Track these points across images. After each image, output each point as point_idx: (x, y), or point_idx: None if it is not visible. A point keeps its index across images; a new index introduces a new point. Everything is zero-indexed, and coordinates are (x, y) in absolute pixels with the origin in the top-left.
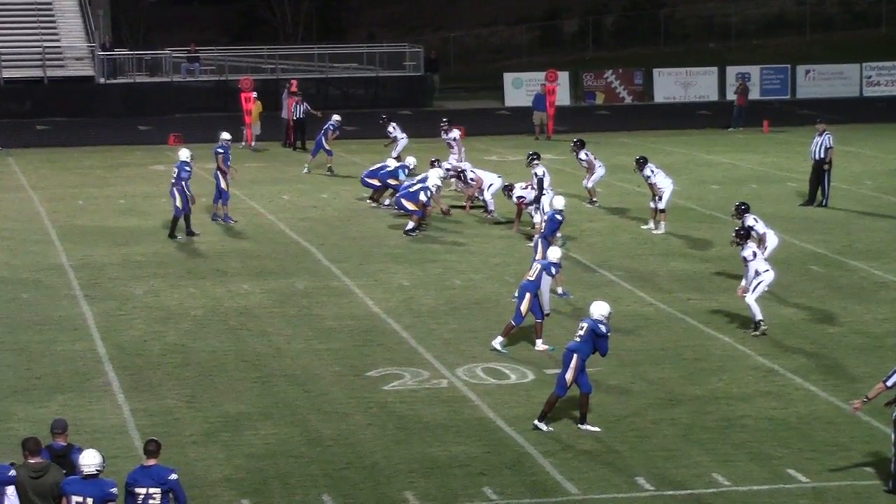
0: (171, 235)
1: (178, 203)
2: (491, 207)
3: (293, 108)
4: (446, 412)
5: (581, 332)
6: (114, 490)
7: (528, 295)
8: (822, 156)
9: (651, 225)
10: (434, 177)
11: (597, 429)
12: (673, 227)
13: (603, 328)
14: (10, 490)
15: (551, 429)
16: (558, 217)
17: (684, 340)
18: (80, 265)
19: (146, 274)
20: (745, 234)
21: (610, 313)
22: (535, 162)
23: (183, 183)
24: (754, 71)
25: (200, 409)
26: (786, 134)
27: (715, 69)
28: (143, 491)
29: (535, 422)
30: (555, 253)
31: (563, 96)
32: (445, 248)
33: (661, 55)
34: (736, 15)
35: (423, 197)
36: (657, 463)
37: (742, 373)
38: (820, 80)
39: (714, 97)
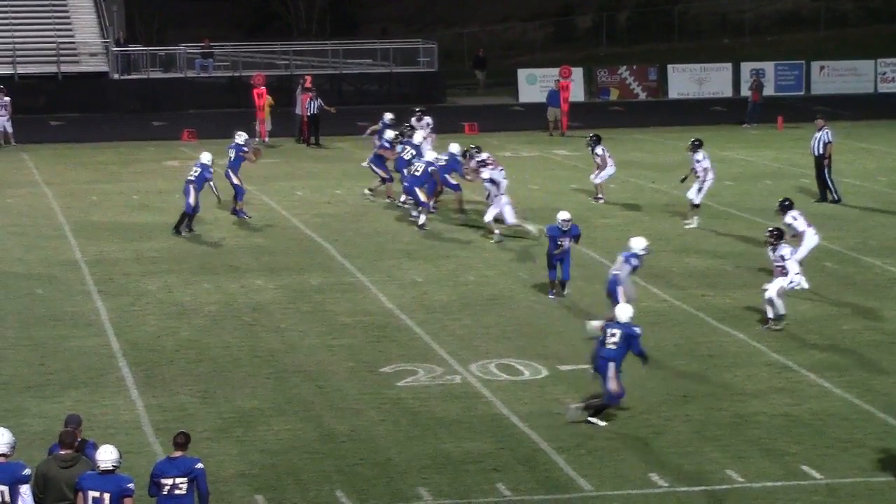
0: (177, 230)
1: (192, 201)
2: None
3: (307, 104)
4: (459, 408)
5: (615, 339)
6: (131, 485)
7: (619, 288)
8: (822, 151)
9: (695, 221)
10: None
11: (603, 423)
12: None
13: (637, 329)
14: (24, 489)
15: (605, 423)
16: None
17: (698, 337)
18: (94, 261)
19: (160, 269)
20: (779, 235)
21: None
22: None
23: (210, 183)
24: (769, 67)
25: (214, 404)
26: (800, 130)
27: (729, 65)
28: (169, 482)
29: (589, 418)
30: (639, 243)
31: (577, 92)
32: (459, 245)
33: (674, 51)
34: (750, 11)
35: (452, 180)
36: (671, 459)
37: (756, 369)
38: (834, 77)
39: (728, 93)
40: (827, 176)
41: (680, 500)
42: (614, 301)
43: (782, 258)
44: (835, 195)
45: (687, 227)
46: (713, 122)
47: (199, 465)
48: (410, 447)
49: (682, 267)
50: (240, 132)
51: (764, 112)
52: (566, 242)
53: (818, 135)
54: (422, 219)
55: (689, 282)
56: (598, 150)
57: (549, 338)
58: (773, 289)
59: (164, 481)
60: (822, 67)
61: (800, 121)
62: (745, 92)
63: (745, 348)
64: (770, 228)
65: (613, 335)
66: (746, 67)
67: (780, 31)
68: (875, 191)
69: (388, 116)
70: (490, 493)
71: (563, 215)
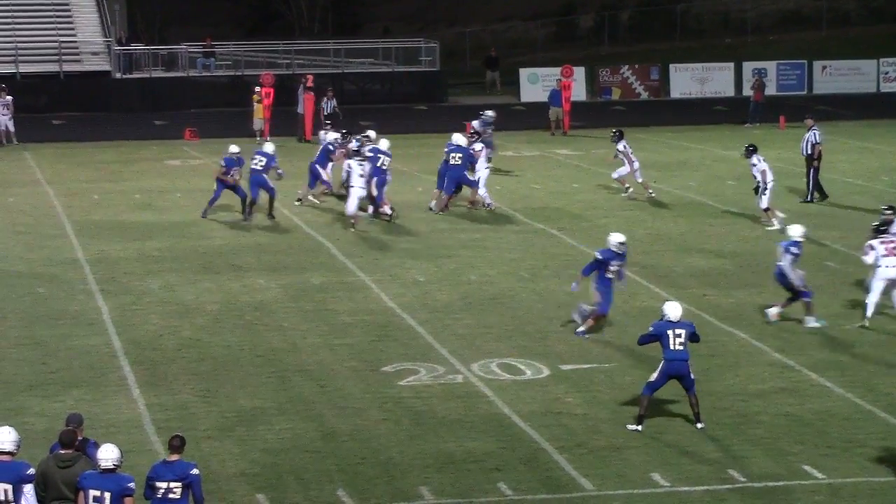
0: (270, 215)
1: (270, 185)
2: (488, 200)
3: (323, 104)
4: (461, 407)
5: (682, 339)
6: (131, 485)
7: (791, 274)
8: (810, 151)
9: (776, 223)
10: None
11: (639, 428)
12: (689, 223)
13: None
14: (28, 488)
15: (639, 428)
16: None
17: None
18: (96, 260)
19: (161, 269)
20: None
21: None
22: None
23: (278, 172)
24: (770, 66)
25: (216, 403)
26: (802, 130)
27: (731, 65)
28: (163, 485)
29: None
30: (796, 230)
31: (578, 92)
32: (460, 244)
33: (676, 51)
34: (752, 10)
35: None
36: (672, 459)
37: (758, 369)
38: (836, 76)
39: (730, 93)
40: (812, 176)
41: (682, 500)
42: (787, 289)
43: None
44: (809, 196)
45: (769, 229)
46: (715, 121)
47: (195, 472)
48: (412, 446)
49: (683, 266)
50: (329, 131)
51: (766, 112)
52: (619, 268)
53: (807, 135)
54: (488, 198)
55: (691, 281)
56: (620, 146)
57: (551, 337)
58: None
59: (158, 485)
60: (824, 67)
61: (802, 120)
62: (748, 91)
63: (746, 348)
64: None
65: (679, 336)
66: (748, 67)
67: (782, 30)
68: (878, 190)
69: (490, 113)
70: (491, 492)
71: (618, 238)
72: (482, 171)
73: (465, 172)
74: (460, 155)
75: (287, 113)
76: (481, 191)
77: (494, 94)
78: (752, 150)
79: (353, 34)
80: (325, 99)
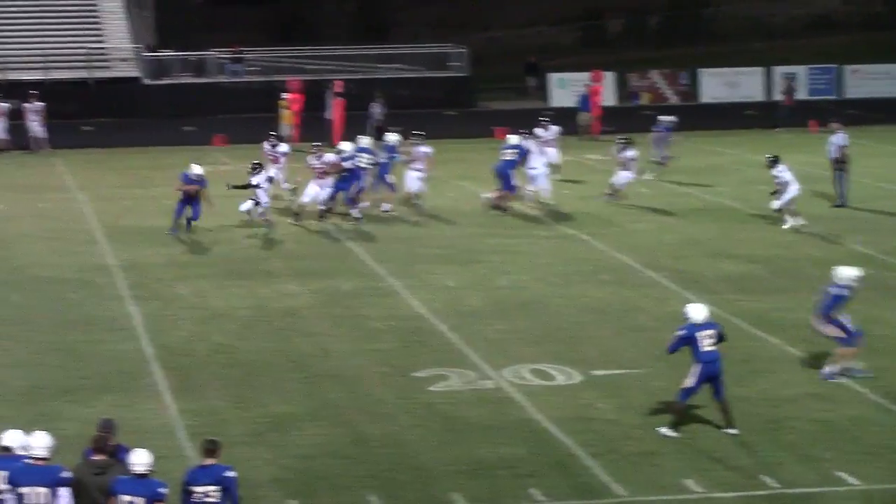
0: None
1: (390, 180)
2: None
3: (371, 110)
4: (492, 413)
5: (712, 340)
6: (163, 490)
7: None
8: (837, 155)
9: (790, 221)
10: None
11: (675, 434)
12: (721, 228)
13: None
14: (64, 491)
15: (670, 434)
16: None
17: (732, 342)
18: (127, 265)
19: (192, 274)
20: None
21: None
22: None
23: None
24: (801, 71)
25: (247, 409)
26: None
27: (761, 69)
28: (200, 489)
29: (731, 429)
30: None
31: (607, 96)
32: (491, 249)
33: (706, 55)
34: (781, 14)
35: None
36: (705, 464)
37: (790, 374)
38: (867, 80)
39: (760, 97)
40: (840, 179)
41: None
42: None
43: None
44: (841, 200)
45: (784, 228)
46: (745, 126)
47: (231, 474)
48: (443, 452)
49: (715, 272)
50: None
51: (796, 116)
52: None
53: (833, 139)
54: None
55: (723, 286)
56: (629, 153)
57: (583, 343)
58: None
59: (195, 489)
60: (854, 71)
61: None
62: (778, 96)
63: (778, 353)
64: None
65: (710, 336)
66: (778, 71)
67: (812, 34)
68: None
69: (669, 119)
70: (523, 498)
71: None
72: (539, 169)
73: (511, 169)
74: (512, 151)
75: (316, 118)
76: (529, 187)
77: (532, 98)
78: (774, 161)
79: (382, 39)
80: (375, 104)
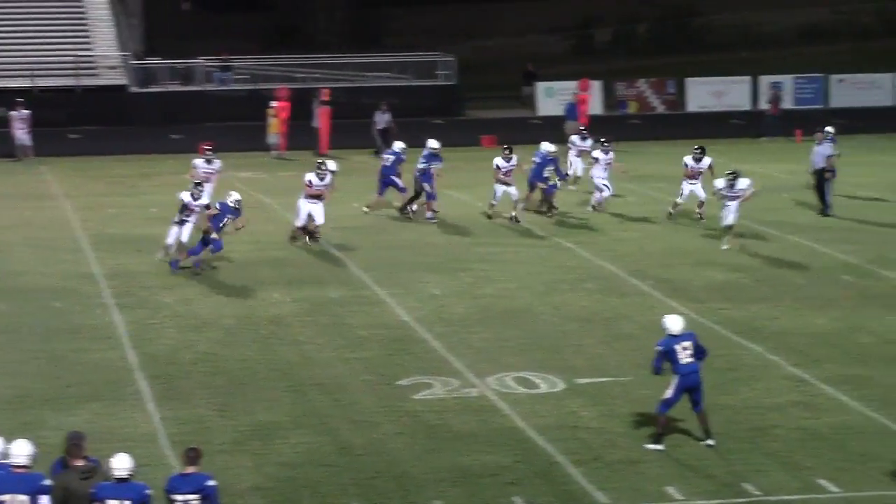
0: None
1: (401, 184)
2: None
3: (377, 118)
4: (476, 421)
5: (689, 352)
6: (149, 492)
7: None
8: (825, 164)
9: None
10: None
11: (660, 447)
12: (705, 236)
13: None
14: (44, 499)
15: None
16: None
17: (716, 350)
18: (112, 273)
19: (177, 283)
20: None
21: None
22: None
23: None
24: (787, 80)
25: (231, 417)
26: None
27: (748, 78)
28: (181, 498)
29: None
30: None
31: (595, 105)
32: (477, 257)
33: (693, 64)
34: (769, 24)
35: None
36: (687, 472)
37: (774, 382)
38: (853, 90)
39: (747, 106)
40: (826, 189)
41: None
42: None
43: None
44: (827, 209)
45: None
46: (732, 135)
47: (212, 483)
48: (427, 460)
49: (700, 280)
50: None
51: (782, 125)
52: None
53: (818, 148)
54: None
55: (708, 295)
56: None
57: (567, 351)
58: None
59: (175, 497)
60: (840, 80)
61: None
62: (764, 105)
63: (762, 361)
64: None
65: (686, 348)
66: (765, 80)
67: (800, 44)
68: (894, 204)
69: (830, 129)
70: None
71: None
72: (599, 177)
73: (541, 176)
74: (537, 160)
75: (304, 127)
76: (596, 195)
77: (520, 108)
78: (734, 177)
79: (372, 48)
80: (379, 112)
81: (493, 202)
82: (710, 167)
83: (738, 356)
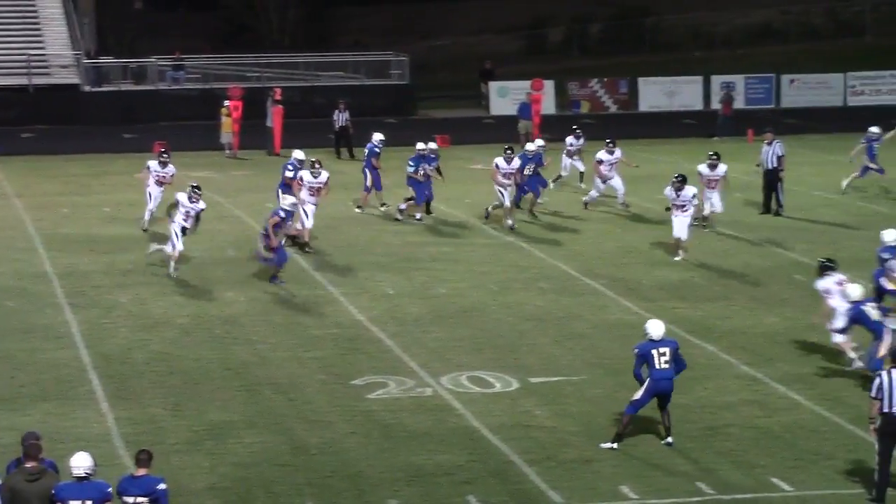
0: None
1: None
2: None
3: (336, 117)
4: (431, 420)
5: (667, 358)
6: (110, 490)
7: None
8: (776, 164)
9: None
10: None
11: (615, 446)
12: (658, 236)
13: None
14: None
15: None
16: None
17: None
18: (65, 273)
19: (131, 282)
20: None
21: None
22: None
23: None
24: (739, 80)
25: (185, 417)
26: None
27: (700, 78)
28: (131, 500)
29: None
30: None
31: (548, 105)
32: (430, 256)
33: (646, 64)
34: (722, 24)
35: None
36: (641, 471)
37: (726, 381)
38: (805, 90)
39: (699, 106)
40: (779, 189)
41: None
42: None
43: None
44: (781, 209)
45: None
46: (683, 134)
47: (162, 486)
48: (381, 460)
49: (652, 279)
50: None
51: (734, 125)
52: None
53: (768, 149)
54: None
55: (660, 294)
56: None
57: (521, 350)
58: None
59: (126, 499)
60: (792, 80)
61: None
62: (716, 105)
63: (715, 360)
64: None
65: (664, 354)
66: (717, 80)
67: (752, 44)
68: (845, 203)
69: (876, 130)
70: None
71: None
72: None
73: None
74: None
75: (257, 126)
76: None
77: (473, 107)
78: (682, 181)
79: (325, 47)
80: (338, 111)
81: (506, 204)
82: (724, 176)
83: (691, 355)
